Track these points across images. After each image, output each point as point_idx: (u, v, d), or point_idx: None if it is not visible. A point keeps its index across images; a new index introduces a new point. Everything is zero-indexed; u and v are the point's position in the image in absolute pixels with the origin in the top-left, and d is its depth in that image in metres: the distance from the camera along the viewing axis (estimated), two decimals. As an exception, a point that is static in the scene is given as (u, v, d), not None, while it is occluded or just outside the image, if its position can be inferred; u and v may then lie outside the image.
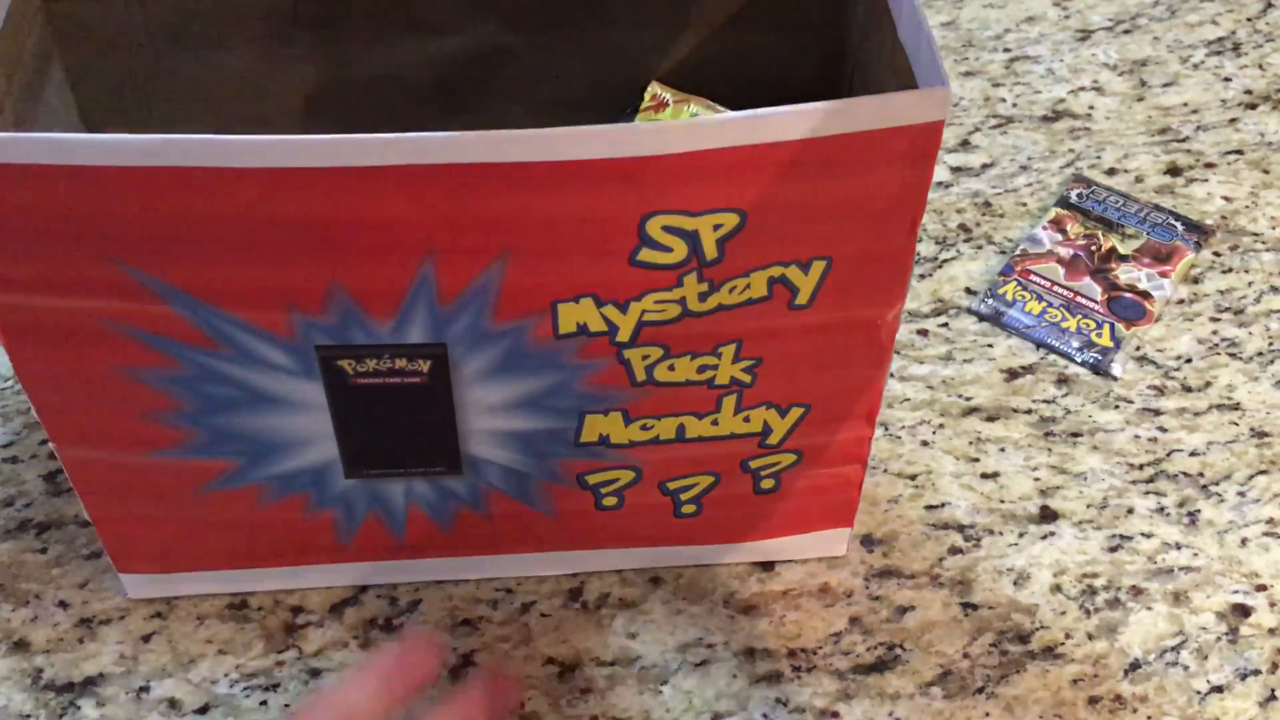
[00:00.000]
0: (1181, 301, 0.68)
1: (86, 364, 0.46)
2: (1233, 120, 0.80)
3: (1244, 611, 0.53)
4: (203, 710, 0.50)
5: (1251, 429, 0.61)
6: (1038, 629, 0.53)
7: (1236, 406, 0.62)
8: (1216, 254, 0.71)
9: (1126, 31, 0.89)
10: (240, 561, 0.54)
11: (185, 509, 0.51)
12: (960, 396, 0.63)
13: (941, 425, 0.61)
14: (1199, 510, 0.57)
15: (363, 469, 0.50)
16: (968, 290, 0.68)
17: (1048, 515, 0.57)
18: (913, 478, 0.59)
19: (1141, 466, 0.59)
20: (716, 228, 0.42)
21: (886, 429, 0.61)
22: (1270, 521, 0.57)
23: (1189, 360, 0.64)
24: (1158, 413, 0.62)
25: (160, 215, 0.40)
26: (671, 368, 0.48)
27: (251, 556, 0.54)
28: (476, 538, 0.55)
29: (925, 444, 0.60)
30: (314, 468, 0.50)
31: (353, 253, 0.42)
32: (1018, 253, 0.70)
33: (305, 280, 0.43)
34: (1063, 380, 0.64)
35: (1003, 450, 0.60)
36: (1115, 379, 0.63)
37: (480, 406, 0.49)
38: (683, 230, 0.42)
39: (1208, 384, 0.63)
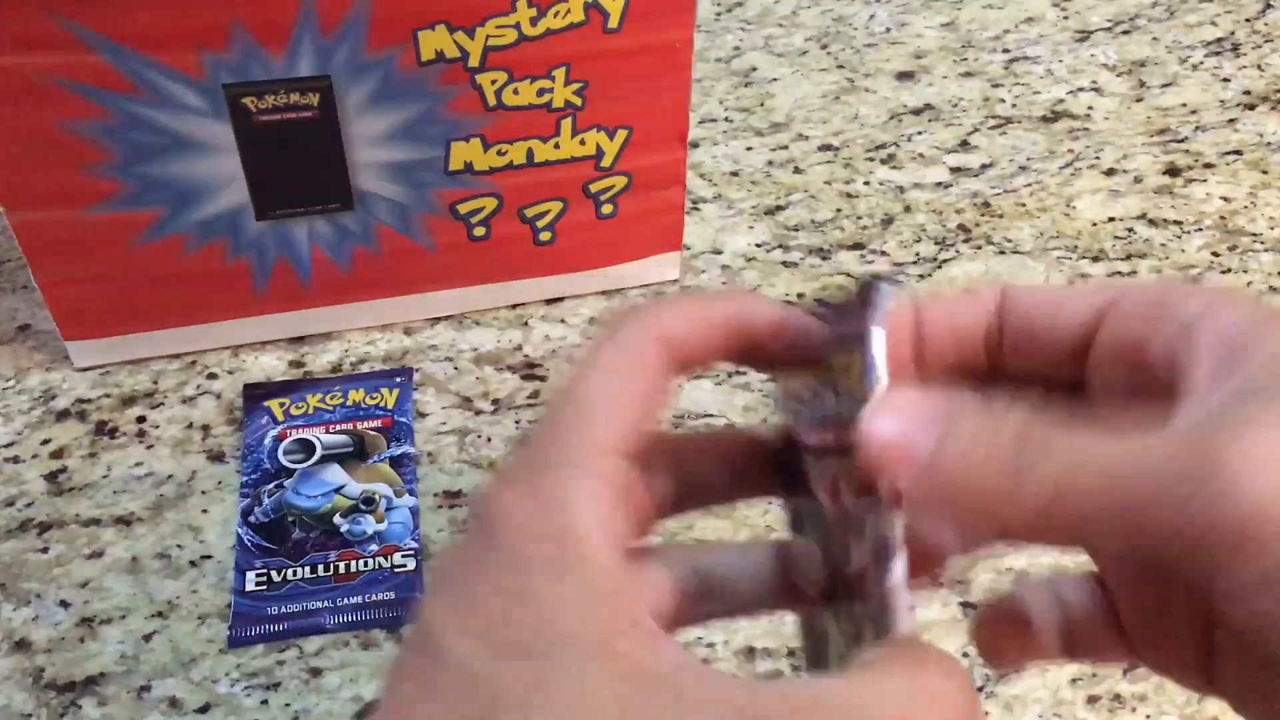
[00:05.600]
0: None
1: (32, 121, 0.53)
2: (1231, 121, 0.81)
3: (1243, 611, 0.53)
4: (203, 710, 0.50)
5: (1250, 429, 0.61)
6: (1037, 629, 0.53)
7: (1235, 407, 0.62)
8: (1215, 254, 0.71)
9: (1125, 32, 0.89)
10: (171, 319, 0.62)
11: (121, 265, 0.59)
12: (960, 397, 0.63)
13: (941, 425, 0.61)
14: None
15: (270, 209, 0.59)
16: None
17: (1047, 515, 0.57)
18: (912, 478, 0.59)
19: (1140, 466, 0.59)
20: None
21: (886, 429, 0.61)
22: (1269, 521, 0.57)
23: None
24: (1157, 413, 0.62)
25: None
26: (516, 91, 0.58)
27: (180, 310, 0.62)
28: (371, 279, 0.63)
29: (925, 444, 0.60)
30: (229, 212, 0.59)
31: None
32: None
33: (211, 19, 0.52)
34: (1062, 380, 0.64)
35: (1002, 450, 0.60)
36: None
37: (363, 139, 0.58)
38: None
39: (1207, 384, 0.63)
